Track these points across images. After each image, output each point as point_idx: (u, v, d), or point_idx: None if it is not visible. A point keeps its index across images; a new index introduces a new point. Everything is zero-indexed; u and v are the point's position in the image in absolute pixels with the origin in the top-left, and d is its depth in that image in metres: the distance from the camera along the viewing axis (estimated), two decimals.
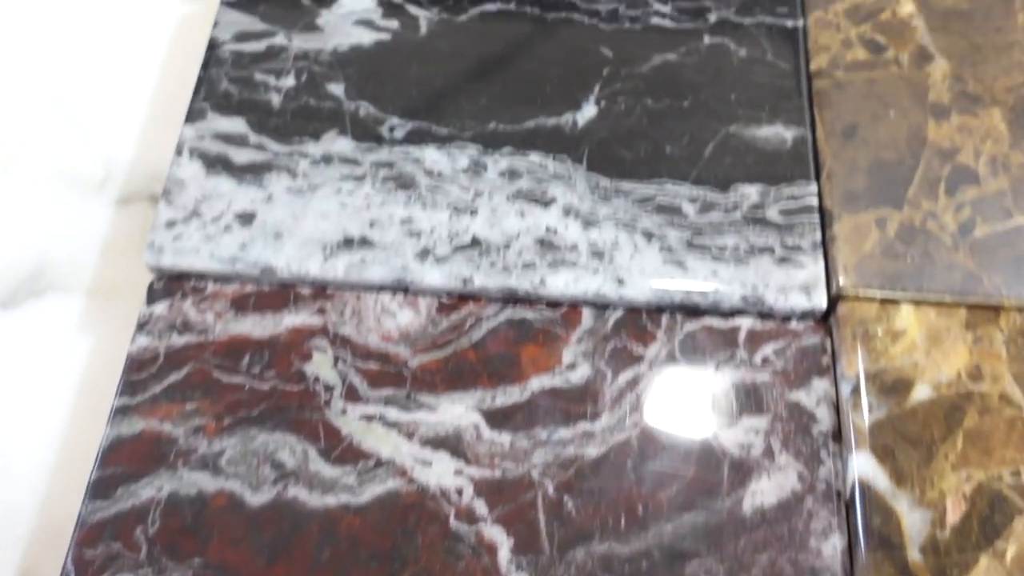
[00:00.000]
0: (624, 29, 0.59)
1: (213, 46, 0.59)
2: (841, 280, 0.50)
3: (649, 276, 0.50)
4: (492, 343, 0.50)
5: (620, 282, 0.50)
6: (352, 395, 0.48)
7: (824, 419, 0.47)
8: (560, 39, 0.59)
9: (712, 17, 0.59)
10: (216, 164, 0.55)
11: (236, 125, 0.56)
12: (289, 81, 0.58)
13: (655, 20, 0.60)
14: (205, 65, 0.58)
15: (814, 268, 0.51)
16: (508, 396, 0.48)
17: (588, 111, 0.56)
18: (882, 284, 0.49)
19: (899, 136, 0.54)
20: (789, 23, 0.59)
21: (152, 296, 0.51)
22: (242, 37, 0.60)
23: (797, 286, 0.50)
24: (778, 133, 0.55)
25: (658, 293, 0.50)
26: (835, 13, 0.59)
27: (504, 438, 0.47)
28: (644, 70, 0.58)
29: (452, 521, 0.45)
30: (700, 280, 0.50)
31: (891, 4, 0.59)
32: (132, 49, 0.66)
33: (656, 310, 0.51)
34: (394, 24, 0.60)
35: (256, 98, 0.57)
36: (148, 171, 0.61)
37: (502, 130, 0.56)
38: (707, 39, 0.59)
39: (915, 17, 0.59)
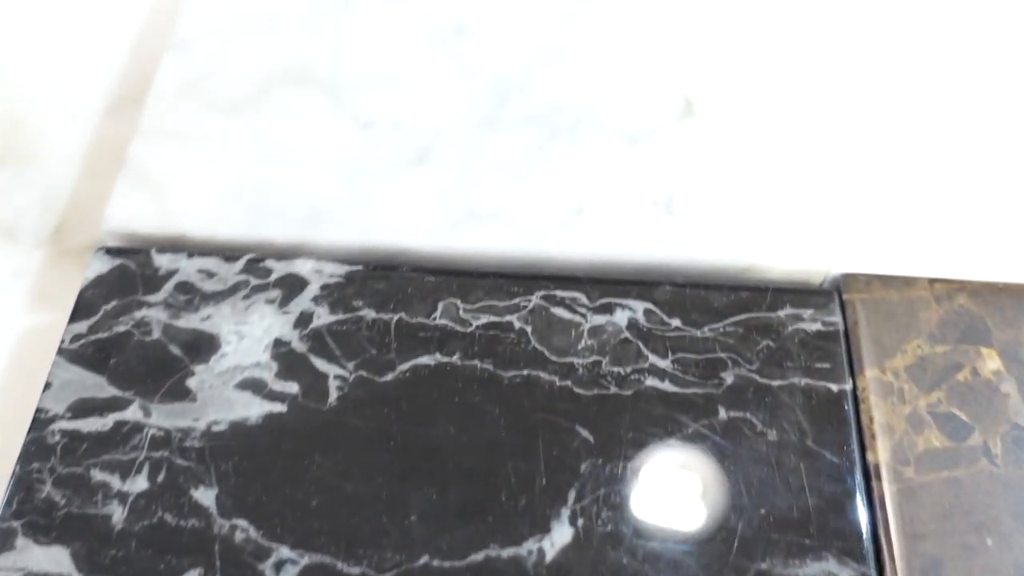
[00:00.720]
0: (608, 395, 0.43)
1: (38, 423, 0.42)
2: None
3: None
4: None
5: None
6: None
7: None
8: (519, 412, 0.42)
9: (728, 377, 0.43)
10: None
11: (57, 560, 0.39)
12: (139, 483, 0.41)
13: (651, 381, 0.43)
14: (24, 456, 0.41)
15: None
16: None
17: (560, 535, 0.40)
18: None
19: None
20: (834, 386, 0.43)
21: None
22: (81, 409, 0.43)
23: None
24: (828, 573, 0.38)
25: None
26: (895, 372, 0.43)
27: None
28: (638, 462, 0.41)
29: None
30: None
31: (970, 358, 0.43)
32: None
33: None
34: (293, 388, 0.43)
35: (90, 514, 0.40)
36: None
37: (437, 567, 0.39)
38: (722, 412, 0.42)
39: (1004, 379, 0.43)
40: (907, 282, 0.46)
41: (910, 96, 0.52)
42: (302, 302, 0.46)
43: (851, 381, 0.43)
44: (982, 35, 0.54)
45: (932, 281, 0.46)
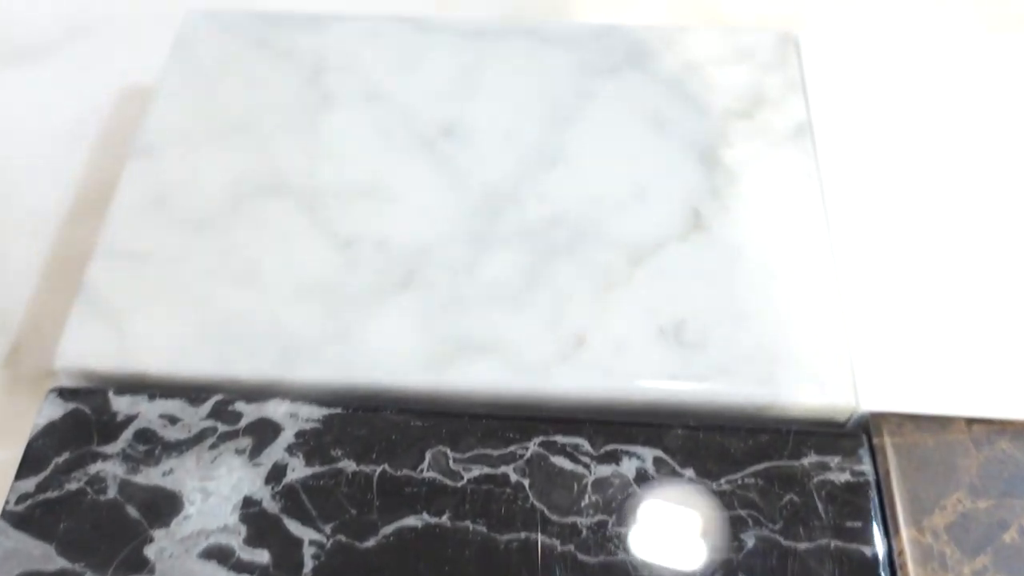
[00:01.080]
0: (615, 561, 0.38)
1: None
2: None
3: None
4: None
5: None
6: None
7: None
8: None
9: (749, 539, 0.39)
10: None
11: None
12: None
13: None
14: None
15: None
16: None
17: None
18: None
19: None
20: (867, 549, 0.38)
21: None
22: None
23: None
24: None
25: None
26: (934, 532, 0.39)
27: None
28: None
29: None
30: None
31: (1016, 514, 0.39)
32: None
33: None
34: (264, 556, 0.39)
35: None
36: None
37: None
38: None
39: None
40: (942, 423, 0.42)
41: (946, 218, 0.48)
42: (275, 452, 0.41)
43: (887, 543, 0.39)
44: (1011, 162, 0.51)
45: (970, 422, 0.42)
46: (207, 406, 0.42)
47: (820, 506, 0.40)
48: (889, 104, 0.53)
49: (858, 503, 0.40)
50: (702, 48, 0.56)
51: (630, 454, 0.41)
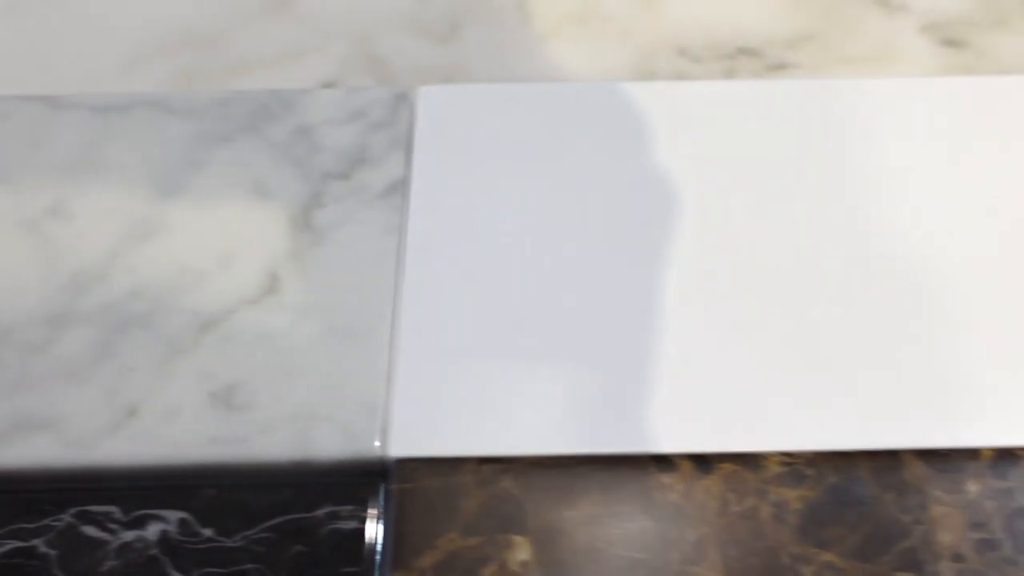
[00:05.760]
0: None
1: None
2: None
3: None
4: None
5: None
6: None
7: None
8: None
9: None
10: None
11: None
12: None
13: None
14: None
15: None
16: None
17: None
18: None
19: None
20: None
21: None
22: None
23: None
24: None
25: None
26: (421, 572, 0.42)
27: None
28: None
29: None
30: None
31: (500, 549, 0.43)
32: None
33: None
34: None
35: None
36: None
37: None
38: None
39: (531, 569, 0.42)
40: (455, 465, 0.45)
41: (522, 266, 0.52)
42: None
43: None
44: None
45: (481, 461, 0.45)
46: None
47: (326, 554, 0.43)
48: (496, 157, 0.56)
49: (359, 549, 0.43)
50: (318, 110, 0.59)
51: (157, 517, 0.44)
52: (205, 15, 0.71)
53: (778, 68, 0.67)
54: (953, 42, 0.69)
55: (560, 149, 0.56)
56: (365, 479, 0.46)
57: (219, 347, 0.49)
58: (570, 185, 0.55)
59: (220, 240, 0.53)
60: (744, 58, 0.68)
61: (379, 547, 0.43)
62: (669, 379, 0.47)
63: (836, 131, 0.57)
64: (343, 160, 0.57)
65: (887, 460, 0.46)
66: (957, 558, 0.43)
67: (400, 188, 0.55)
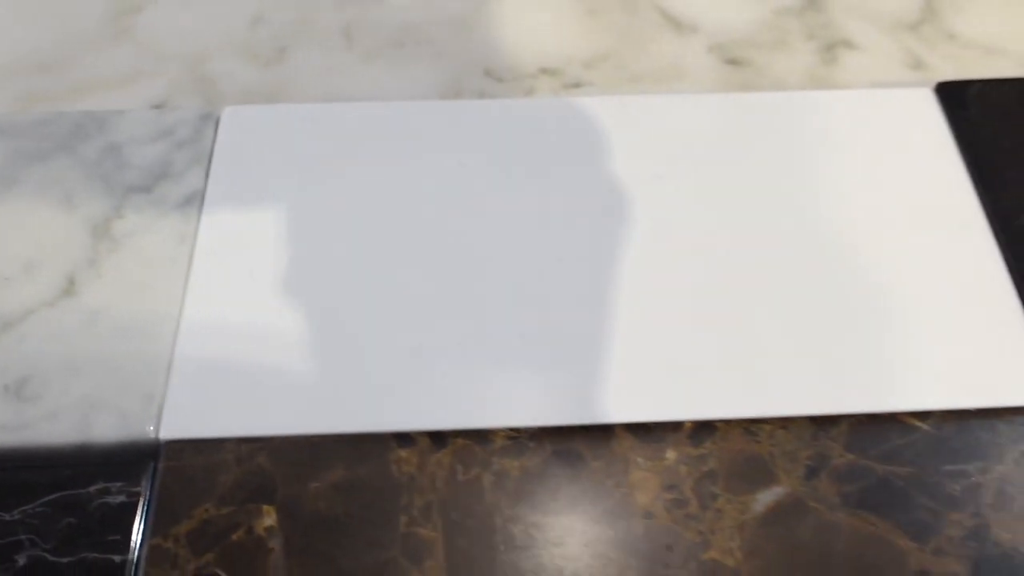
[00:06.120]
0: None
1: None
2: None
3: None
4: None
5: None
6: None
7: None
8: None
9: (22, 559, 0.47)
10: None
11: None
12: None
13: None
14: None
15: None
16: None
17: None
18: None
19: None
20: (117, 557, 0.48)
21: None
22: None
23: None
24: None
25: None
26: (176, 539, 0.48)
27: None
28: None
29: None
30: None
31: (250, 517, 0.49)
32: None
33: None
34: None
35: None
36: None
37: None
38: None
39: (274, 534, 0.48)
40: (217, 445, 0.51)
41: (323, 269, 0.57)
42: None
43: (138, 552, 0.48)
44: None
45: (241, 441, 0.52)
46: None
47: (93, 526, 0.49)
48: (289, 171, 0.63)
49: (124, 520, 0.49)
50: (129, 129, 0.65)
51: None
52: (51, 40, 0.77)
53: (574, 86, 0.75)
54: (736, 61, 0.77)
55: (352, 164, 0.63)
56: (138, 459, 0.52)
57: (15, 345, 0.55)
58: (356, 197, 0.61)
59: (25, 249, 0.59)
60: (545, 77, 0.76)
61: (141, 517, 0.49)
62: (412, 362, 0.54)
63: (620, 144, 0.64)
64: (147, 175, 0.63)
65: (600, 434, 0.53)
66: (648, 515, 0.50)
67: (196, 200, 0.61)
